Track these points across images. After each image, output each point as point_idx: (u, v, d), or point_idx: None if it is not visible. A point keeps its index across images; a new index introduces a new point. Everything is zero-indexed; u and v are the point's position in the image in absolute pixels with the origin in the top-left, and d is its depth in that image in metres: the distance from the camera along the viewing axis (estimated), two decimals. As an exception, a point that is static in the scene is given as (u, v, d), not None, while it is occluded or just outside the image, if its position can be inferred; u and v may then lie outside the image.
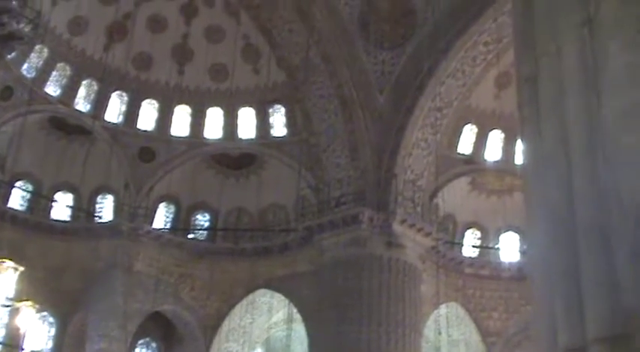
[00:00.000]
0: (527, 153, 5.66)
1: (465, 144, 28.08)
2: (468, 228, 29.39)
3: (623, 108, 4.37)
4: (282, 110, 28.60)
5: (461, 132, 27.81)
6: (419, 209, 25.14)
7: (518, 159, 25.05)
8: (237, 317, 28.55)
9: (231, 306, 28.21)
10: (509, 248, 29.02)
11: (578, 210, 4.57)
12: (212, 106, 29.32)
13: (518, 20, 6.02)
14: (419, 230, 24.97)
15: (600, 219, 4.39)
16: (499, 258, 29.06)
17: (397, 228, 24.30)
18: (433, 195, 26.48)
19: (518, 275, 25.87)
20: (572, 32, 4.93)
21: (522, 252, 27.48)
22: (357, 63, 25.40)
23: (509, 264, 28.16)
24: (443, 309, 26.94)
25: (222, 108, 29.32)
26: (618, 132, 4.40)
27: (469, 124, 27.94)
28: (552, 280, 4.67)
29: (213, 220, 29.76)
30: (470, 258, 28.89)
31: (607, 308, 4.11)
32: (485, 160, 28.12)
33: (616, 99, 4.45)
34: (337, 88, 25.45)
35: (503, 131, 27.88)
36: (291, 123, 28.20)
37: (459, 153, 27.70)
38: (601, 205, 4.41)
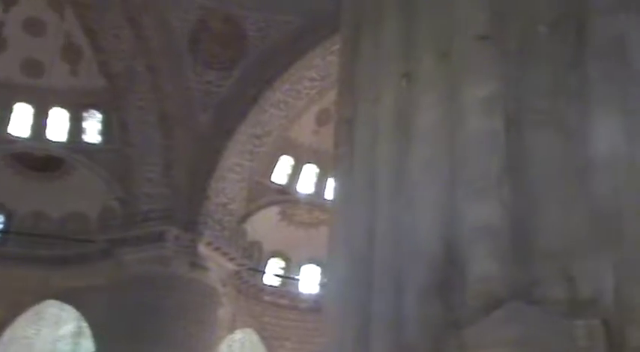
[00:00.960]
0: (338, 191, 5.89)
1: (280, 174, 28.53)
2: (273, 257, 29.76)
3: (427, 158, 4.69)
4: (98, 116, 27.57)
5: (277, 162, 28.23)
6: (226, 233, 25.14)
7: (329, 194, 25.81)
8: (21, 327, 26.83)
9: (16, 315, 26.50)
10: (310, 280, 29.69)
11: (377, 251, 4.82)
12: (21, 102, 27.67)
13: (344, 63, 6.30)
14: (224, 254, 24.93)
15: (396, 261, 4.65)
16: (298, 289, 29.63)
17: (203, 249, 24.11)
18: (242, 220, 26.59)
19: (315, 306, 26.52)
20: (392, 82, 5.23)
21: (321, 285, 28.25)
22: (183, 79, 25.14)
23: (308, 295, 28.81)
24: (238, 335, 26.98)
25: (32, 105, 27.75)
26: (421, 181, 4.71)
27: (286, 155, 28.46)
28: (345, 314, 4.88)
29: (6, 222, 27.93)
30: (271, 286, 29.22)
31: (392, 343, 4.35)
32: (297, 192, 28.71)
33: (422, 149, 4.77)
34: (159, 101, 25.00)
35: (318, 166, 28.69)
36: (105, 131, 27.21)
37: (272, 183, 28.09)
38: (398, 248, 4.68)
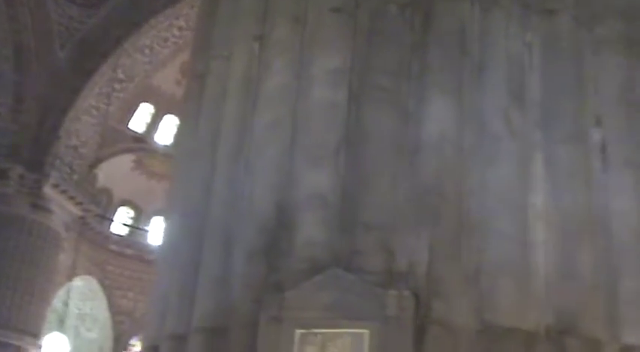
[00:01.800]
0: (181, 146, 5.86)
1: (139, 122, 27.81)
2: (122, 206, 29.10)
3: (270, 122, 4.75)
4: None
5: (136, 109, 27.47)
6: (75, 176, 24.27)
7: (186, 147, 25.34)
8: None
9: None
10: (159, 231, 29.33)
11: (212, 208, 4.85)
12: None
13: (202, 18, 6.23)
14: (70, 198, 24.06)
15: (229, 220, 4.71)
16: (147, 240, 29.21)
17: (48, 191, 23.17)
18: (94, 165, 25.75)
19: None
20: (245, 43, 5.23)
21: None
22: (42, 12, 23.83)
23: (156, 247, 28.45)
24: (77, 282, 26.28)
25: None
26: (262, 144, 4.77)
27: (146, 103, 27.74)
28: (174, 269, 4.90)
29: None
30: (118, 235, 28.59)
31: (214, 301, 4.42)
32: (154, 142, 28.11)
33: (266, 113, 4.82)
34: (15, 33, 23.58)
35: (179, 117, 28.15)
36: (-47, 56, 25.44)
37: (129, 130, 27.33)
38: (233, 207, 4.73)
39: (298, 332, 4.04)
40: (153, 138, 27.80)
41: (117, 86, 24.91)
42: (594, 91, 4.44)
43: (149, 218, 29.19)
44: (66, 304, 25.28)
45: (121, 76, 24.74)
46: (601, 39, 4.57)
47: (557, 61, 4.46)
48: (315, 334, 4.00)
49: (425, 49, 4.55)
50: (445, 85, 4.46)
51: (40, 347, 22.41)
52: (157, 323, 4.82)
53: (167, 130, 28.44)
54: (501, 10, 4.52)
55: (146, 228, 29.05)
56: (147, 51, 25.09)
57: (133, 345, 26.55)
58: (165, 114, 28.01)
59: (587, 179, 4.27)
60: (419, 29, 4.58)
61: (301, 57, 4.86)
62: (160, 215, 29.06)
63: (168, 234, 5.42)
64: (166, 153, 28.12)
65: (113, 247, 27.72)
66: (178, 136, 5.87)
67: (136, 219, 29.14)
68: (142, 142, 27.63)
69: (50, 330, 23.75)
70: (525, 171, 4.22)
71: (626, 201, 4.27)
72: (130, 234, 28.61)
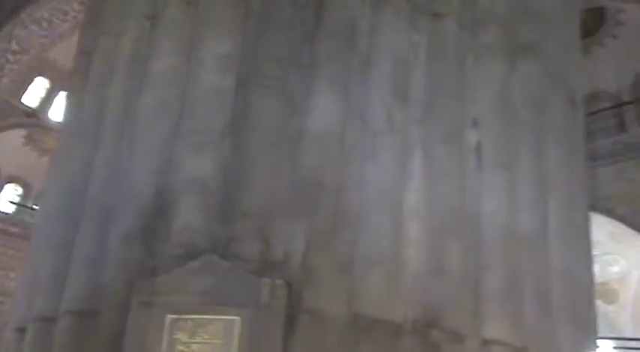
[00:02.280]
0: (65, 123, 5.69)
1: (32, 96, 26.81)
2: (10, 182, 28.03)
3: (156, 104, 4.68)
4: None
5: (30, 83, 26.47)
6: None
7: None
8: None
9: None
10: (48, 211, 28.29)
11: (91, 189, 4.73)
12: None
13: (94, -8, 6.05)
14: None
15: (107, 201, 4.60)
16: (34, 219, 28.09)
17: None
18: (-19, 139, 24.67)
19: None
20: (136, 22, 5.12)
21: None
22: None
23: (43, 226, 27.47)
24: (-43, 259, 25.15)
25: None
26: (146, 126, 4.69)
27: (42, 77, 26.78)
28: (47, 248, 4.76)
29: None
30: (3, 212, 27.52)
31: (85, 283, 4.33)
32: (48, 118, 27.17)
33: (152, 94, 4.74)
34: None
35: (66, 93, 27.21)
36: None
37: (22, 104, 26.33)
38: (112, 189, 4.63)
39: (169, 317, 4.00)
40: (47, 114, 26.85)
41: (10, 58, 23.92)
42: (473, 94, 4.59)
43: (38, 196, 28.23)
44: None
45: (15, 47, 23.76)
46: (482, 44, 4.72)
47: (440, 63, 4.58)
48: (186, 320, 3.98)
49: (315, 40, 4.58)
50: (332, 78, 4.50)
51: None
52: (25, 305, 4.67)
53: (62, 106, 27.57)
54: (391, 8, 4.60)
55: (35, 206, 28.08)
56: (44, 24, 24.18)
57: (14, 327, 25.64)
58: (61, 90, 27.11)
59: (462, 179, 4.41)
60: (311, 19, 4.59)
61: (192, 39, 4.80)
62: (50, 194, 28.19)
63: (43, 212, 5.25)
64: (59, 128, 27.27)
65: (-2, 225, 26.68)
66: (64, 112, 5.69)
67: (24, 196, 28.11)
68: (34, 117, 26.65)
69: None
70: (403, 168, 4.31)
71: (497, 201, 4.44)
72: (18, 212, 27.58)
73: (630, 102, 21.75)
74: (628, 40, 21.22)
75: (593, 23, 21.95)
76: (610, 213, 21.30)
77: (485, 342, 4.12)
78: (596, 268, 24.79)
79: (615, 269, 23.61)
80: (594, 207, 21.87)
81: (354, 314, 3.98)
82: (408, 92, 4.49)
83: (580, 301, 4.82)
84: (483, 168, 4.47)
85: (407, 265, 4.09)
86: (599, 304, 26.77)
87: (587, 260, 5.19)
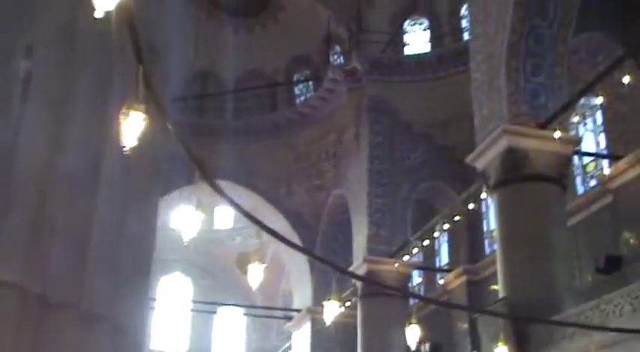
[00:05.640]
0: None
1: None
2: None
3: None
4: None
5: None
6: None
7: None
8: None
9: None
10: None
11: None
12: None
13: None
14: None
15: None
16: None
17: None
18: None
19: None
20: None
21: None
22: None
23: None
24: None
25: None
26: None
27: None
28: None
29: None
30: None
31: None
32: None
33: None
34: None
35: None
36: None
37: None
38: None
39: None
40: None
41: None
42: (30, 22, 4.20)
43: None
44: None
45: None
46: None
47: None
48: None
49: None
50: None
51: None
52: None
53: None
54: None
55: None
56: None
57: None
58: None
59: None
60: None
61: None
62: None
63: None
64: None
65: None
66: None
67: None
68: None
69: None
70: None
71: (37, 138, 4.10)
72: None
73: (283, 84, 22.97)
74: (285, 25, 22.32)
75: (258, 5, 22.73)
76: (253, 188, 22.34)
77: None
78: (239, 239, 25.55)
79: (254, 241, 24.81)
80: (238, 180, 22.73)
81: None
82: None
83: (130, 260, 4.66)
84: (30, 101, 4.10)
85: None
86: (236, 273, 27.86)
87: (152, 225, 5.07)
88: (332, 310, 8.38)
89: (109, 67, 4.59)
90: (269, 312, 25.64)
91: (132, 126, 3.59)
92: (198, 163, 4.60)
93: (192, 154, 4.54)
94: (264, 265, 6.57)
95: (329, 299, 8.48)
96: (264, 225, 6.28)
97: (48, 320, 4.02)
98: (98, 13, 3.45)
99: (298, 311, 22.28)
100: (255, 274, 6.49)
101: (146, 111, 3.65)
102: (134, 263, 4.77)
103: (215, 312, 26.85)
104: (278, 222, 22.21)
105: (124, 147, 3.64)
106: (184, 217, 5.65)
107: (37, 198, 4.01)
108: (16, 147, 4.00)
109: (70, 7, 4.40)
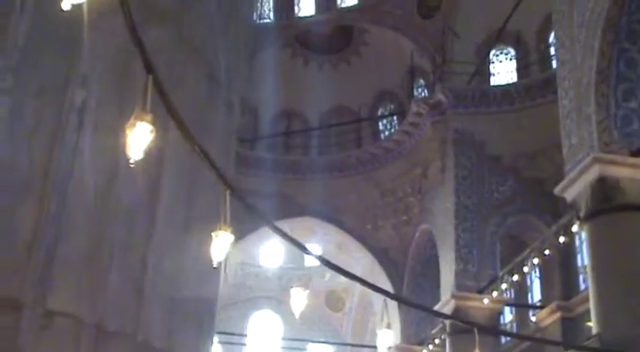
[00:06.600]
0: None
1: None
2: None
3: None
4: None
5: None
6: None
7: None
8: None
9: None
10: None
11: None
12: None
13: None
14: None
15: None
16: None
17: None
18: None
19: None
20: None
21: None
22: None
23: None
24: None
25: None
26: None
27: None
28: None
29: None
30: None
31: None
32: None
33: None
34: None
35: None
36: None
37: None
38: None
39: None
40: None
41: None
42: (85, 49, 4.25)
43: None
44: None
45: None
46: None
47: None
48: None
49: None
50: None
51: None
52: None
53: None
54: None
55: None
56: None
57: None
58: None
59: (55, 137, 4.05)
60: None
61: None
62: None
63: None
64: None
65: None
66: None
67: None
68: None
69: None
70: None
71: (94, 166, 4.12)
72: None
73: (367, 119, 22.94)
74: (369, 60, 22.35)
75: (342, 41, 22.89)
76: (340, 224, 22.24)
77: (49, 313, 3.77)
78: (328, 276, 25.41)
79: (343, 279, 24.63)
80: (325, 217, 22.67)
81: None
82: (8, 38, 4.06)
83: (191, 286, 4.59)
84: (83, 128, 4.14)
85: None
86: (326, 310, 27.71)
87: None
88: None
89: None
90: (358, 350, 25.30)
91: (138, 138, 3.54)
92: (229, 185, 4.48)
93: (222, 175, 4.44)
94: (307, 291, 6.29)
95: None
96: (340, 268, 6.11)
97: (104, 350, 3.99)
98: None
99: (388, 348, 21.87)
100: (299, 299, 6.18)
101: (153, 123, 3.60)
102: (196, 290, 4.70)
103: (305, 350, 26.74)
104: (364, 259, 22.01)
105: (130, 160, 3.60)
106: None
107: (92, 225, 4.01)
108: (72, 174, 4.02)
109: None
